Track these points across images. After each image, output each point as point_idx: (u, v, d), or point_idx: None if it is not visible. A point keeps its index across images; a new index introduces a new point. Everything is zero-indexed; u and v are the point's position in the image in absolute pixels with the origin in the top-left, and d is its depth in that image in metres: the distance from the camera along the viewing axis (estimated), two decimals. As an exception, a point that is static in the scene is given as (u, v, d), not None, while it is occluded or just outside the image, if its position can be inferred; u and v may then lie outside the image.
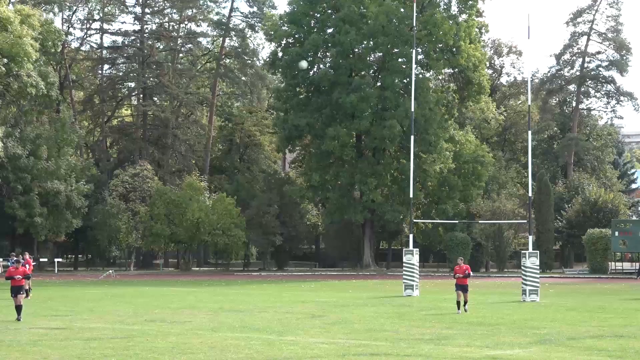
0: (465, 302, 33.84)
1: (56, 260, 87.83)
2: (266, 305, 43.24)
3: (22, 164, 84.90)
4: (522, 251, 51.23)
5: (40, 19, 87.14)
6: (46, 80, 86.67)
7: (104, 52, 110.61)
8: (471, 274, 35.20)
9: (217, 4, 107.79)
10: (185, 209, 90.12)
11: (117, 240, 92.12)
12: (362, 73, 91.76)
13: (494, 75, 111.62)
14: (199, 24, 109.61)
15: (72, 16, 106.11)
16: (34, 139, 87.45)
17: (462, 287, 33.96)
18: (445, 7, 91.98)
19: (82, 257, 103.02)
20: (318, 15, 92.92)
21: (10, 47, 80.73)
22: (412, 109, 62.67)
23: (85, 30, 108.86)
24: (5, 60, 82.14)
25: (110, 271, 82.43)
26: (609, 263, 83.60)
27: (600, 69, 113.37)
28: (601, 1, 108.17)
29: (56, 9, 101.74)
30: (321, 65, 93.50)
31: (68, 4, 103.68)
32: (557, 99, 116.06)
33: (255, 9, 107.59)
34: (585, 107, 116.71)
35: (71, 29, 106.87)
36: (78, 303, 44.09)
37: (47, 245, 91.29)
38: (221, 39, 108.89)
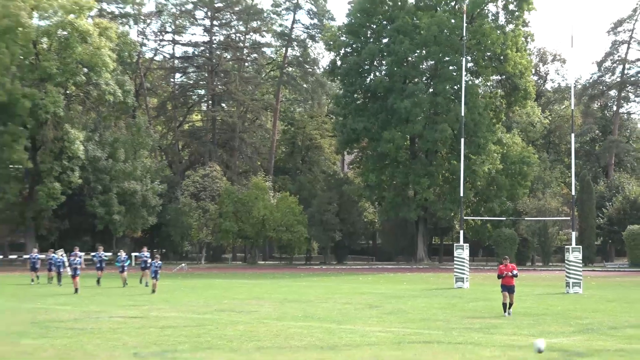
0: (511, 305, 31.54)
1: (133, 255, 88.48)
2: (326, 297, 43.42)
3: (101, 165, 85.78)
4: (566, 246, 50.96)
5: (117, 32, 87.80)
6: (123, 88, 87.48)
7: (176, 61, 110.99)
8: (518, 274, 32.65)
9: (280, 16, 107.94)
10: (252, 207, 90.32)
11: (189, 236, 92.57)
12: (416, 80, 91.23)
13: (539, 81, 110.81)
14: (263, 35, 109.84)
15: (146, 28, 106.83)
16: (112, 142, 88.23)
17: (508, 288, 31.59)
18: (493, 18, 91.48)
19: (157, 251, 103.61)
20: (374, 26, 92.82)
21: (90, 58, 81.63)
22: (462, 114, 62.78)
23: (158, 42, 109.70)
24: (85, 69, 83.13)
25: (183, 265, 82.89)
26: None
27: (639, 74, 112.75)
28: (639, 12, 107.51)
29: (132, 22, 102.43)
30: (377, 73, 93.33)
31: (143, 18, 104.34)
32: (599, 104, 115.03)
33: (315, 20, 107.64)
34: (625, 111, 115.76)
35: (145, 41, 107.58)
36: (154, 294, 44.66)
37: (124, 240, 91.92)
38: (284, 48, 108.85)
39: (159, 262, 45.59)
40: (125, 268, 50.98)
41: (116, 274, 52.24)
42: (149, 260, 48.76)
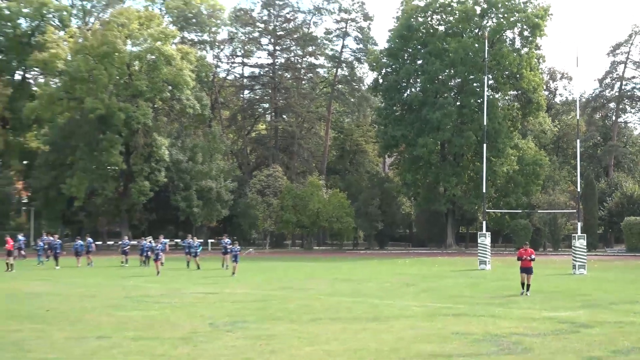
0: (529, 286, 31.01)
1: (209, 241, 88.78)
2: (370, 277, 43.40)
3: (183, 167, 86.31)
4: (573, 234, 50.62)
5: (196, 56, 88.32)
6: (201, 102, 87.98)
7: (245, 80, 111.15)
8: (535, 258, 32.20)
9: (332, 42, 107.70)
10: (308, 201, 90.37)
11: (256, 226, 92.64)
12: (445, 95, 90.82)
13: (549, 95, 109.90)
14: (317, 58, 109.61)
15: (220, 53, 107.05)
16: (192, 147, 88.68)
17: (526, 270, 31.15)
18: (510, 42, 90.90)
19: (234, 238, 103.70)
20: (410, 50, 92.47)
21: (173, 77, 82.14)
22: (485, 123, 62.55)
23: (230, 64, 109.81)
24: (170, 87, 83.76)
25: (251, 250, 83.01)
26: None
27: (635, 90, 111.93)
28: (635, 36, 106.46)
29: (208, 48, 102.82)
30: (412, 89, 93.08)
31: (217, 44, 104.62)
32: (600, 114, 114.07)
33: (361, 45, 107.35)
34: (622, 121, 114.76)
35: (219, 63, 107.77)
36: (226, 273, 44.80)
37: (202, 229, 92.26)
38: (335, 69, 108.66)
39: (238, 247, 45.62)
40: (198, 253, 51.01)
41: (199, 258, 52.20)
42: (229, 246, 48.67)
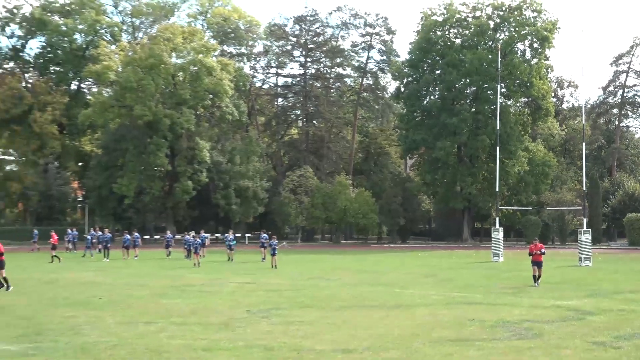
0: (539, 277, 30.53)
1: (246, 235, 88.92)
2: (393, 268, 43.38)
3: (222, 168, 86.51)
4: (579, 229, 50.41)
5: (234, 67, 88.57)
6: (239, 109, 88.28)
7: (278, 89, 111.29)
8: (545, 252, 31.76)
9: (357, 54, 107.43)
10: (336, 199, 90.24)
11: (289, 221, 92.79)
12: (461, 102, 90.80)
13: (557, 102, 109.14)
14: (344, 68, 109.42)
15: (256, 64, 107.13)
16: (231, 150, 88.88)
17: (537, 264, 30.67)
18: (521, 54, 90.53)
19: (271, 233, 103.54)
20: (429, 61, 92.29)
21: (214, 87, 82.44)
22: (498, 128, 62.46)
23: (265, 74, 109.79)
24: (210, 96, 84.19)
25: (284, 243, 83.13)
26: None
27: (636, 97, 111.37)
28: (636, 48, 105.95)
29: (245, 60, 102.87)
30: (432, 97, 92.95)
31: (254, 56, 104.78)
32: (604, 119, 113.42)
33: (384, 57, 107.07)
34: (625, 125, 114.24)
35: (255, 73, 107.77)
36: (262, 265, 44.89)
37: (240, 225, 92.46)
38: (360, 79, 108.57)
39: (276, 241, 45.41)
40: (232, 246, 50.72)
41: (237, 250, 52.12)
42: (267, 241, 48.47)
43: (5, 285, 27.72)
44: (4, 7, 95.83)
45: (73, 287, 30.03)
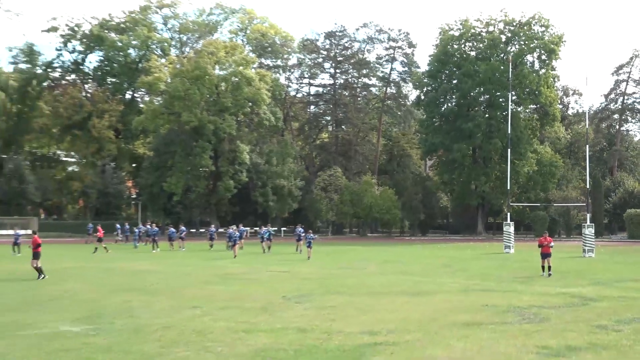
0: (549, 268, 30.05)
1: (282, 229, 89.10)
2: (414, 258, 43.30)
3: (261, 168, 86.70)
4: (583, 224, 50.00)
5: (271, 78, 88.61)
6: (275, 116, 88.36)
7: (310, 97, 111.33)
8: (553, 244, 31.22)
9: (382, 66, 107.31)
10: (363, 196, 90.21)
11: (320, 216, 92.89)
12: (476, 109, 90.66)
13: (563, 108, 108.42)
14: (370, 79, 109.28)
15: (290, 75, 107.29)
16: (268, 152, 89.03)
17: (545, 255, 30.33)
18: (530, 65, 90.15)
19: (304, 226, 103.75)
20: (447, 72, 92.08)
21: (253, 95, 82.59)
22: (509, 132, 62.04)
23: (298, 84, 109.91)
24: (250, 104, 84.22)
25: (316, 236, 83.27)
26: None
27: (635, 103, 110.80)
28: (635, 59, 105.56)
29: (281, 71, 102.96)
30: (449, 104, 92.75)
31: (288, 68, 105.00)
32: (606, 124, 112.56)
33: (406, 68, 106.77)
34: (625, 129, 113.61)
35: (290, 83, 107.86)
36: (296, 256, 44.96)
37: (276, 219, 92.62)
38: (384, 88, 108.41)
39: (312, 234, 44.77)
40: (265, 239, 50.42)
41: (275, 243, 52.08)
42: (303, 234, 48.24)
43: (40, 274, 27.69)
44: (66, 25, 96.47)
45: (127, 275, 30.28)
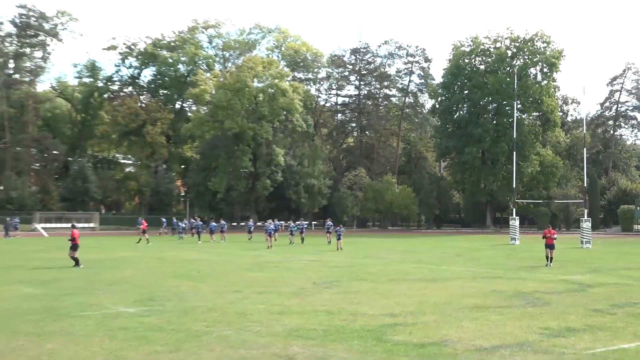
0: (552, 259, 29.30)
1: (313, 223, 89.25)
2: (430, 249, 43.16)
3: (294, 169, 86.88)
4: (581, 218, 49.51)
5: (303, 89, 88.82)
6: (306, 123, 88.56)
7: (338, 106, 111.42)
8: (556, 236, 30.32)
9: (401, 78, 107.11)
10: (384, 194, 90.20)
11: (346, 212, 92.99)
12: (485, 116, 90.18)
13: (563, 115, 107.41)
14: (390, 90, 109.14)
15: (320, 87, 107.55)
16: (300, 155, 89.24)
17: (549, 246, 29.53)
18: (533, 77, 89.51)
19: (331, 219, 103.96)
20: (459, 83, 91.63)
21: (287, 105, 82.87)
22: (514, 136, 61.74)
23: (327, 95, 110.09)
24: (284, 112, 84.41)
25: (343, 229, 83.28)
26: (634, 226, 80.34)
27: (627, 111, 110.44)
28: (628, 71, 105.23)
29: (312, 83, 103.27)
30: (461, 112, 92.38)
31: (318, 80, 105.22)
32: (601, 129, 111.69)
33: (423, 80, 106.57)
34: (618, 134, 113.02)
35: (320, 94, 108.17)
36: (326, 247, 44.98)
37: (307, 215, 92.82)
38: (403, 98, 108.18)
39: (341, 227, 44.33)
40: (294, 232, 50.19)
41: (308, 235, 52.14)
42: (332, 227, 48.00)
43: (77, 263, 27.26)
44: (124, 44, 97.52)
45: (177, 263, 30.48)
